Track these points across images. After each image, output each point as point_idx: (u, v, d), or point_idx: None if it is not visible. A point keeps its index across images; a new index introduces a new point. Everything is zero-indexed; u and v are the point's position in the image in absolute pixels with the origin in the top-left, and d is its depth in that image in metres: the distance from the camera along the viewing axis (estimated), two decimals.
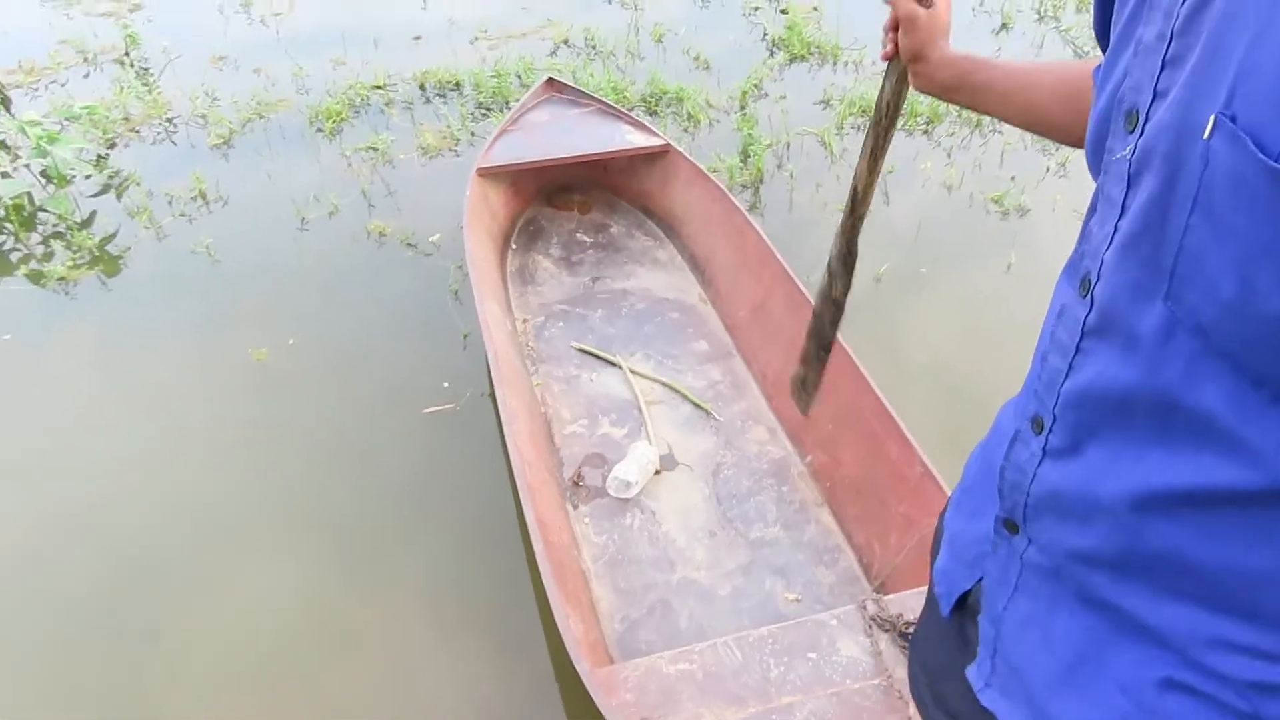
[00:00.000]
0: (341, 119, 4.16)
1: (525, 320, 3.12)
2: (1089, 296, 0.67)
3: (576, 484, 2.58)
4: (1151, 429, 0.62)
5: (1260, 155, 0.50)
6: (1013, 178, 3.79)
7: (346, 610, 2.29)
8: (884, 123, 1.29)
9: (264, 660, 2.17)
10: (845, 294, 1.53)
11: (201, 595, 2.30)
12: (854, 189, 1.38)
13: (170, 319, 3.08)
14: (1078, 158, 3.91)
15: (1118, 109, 0.64)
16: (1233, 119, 0.51)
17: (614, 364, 2.95)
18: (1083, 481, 0.68)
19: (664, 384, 2.89)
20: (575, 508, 2.52)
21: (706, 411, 2.81)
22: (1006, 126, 4.11)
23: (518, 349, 2.93)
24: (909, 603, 1.98)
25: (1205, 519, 0.60)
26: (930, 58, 1.14)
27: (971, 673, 0.83)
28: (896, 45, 1.19)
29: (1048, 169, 3.85)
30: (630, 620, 2.24)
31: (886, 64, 1.25)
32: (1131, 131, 0.62)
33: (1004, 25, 4.91)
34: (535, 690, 2.16)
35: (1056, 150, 3.95)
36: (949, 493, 2.14)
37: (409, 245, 3.42)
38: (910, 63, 1.17)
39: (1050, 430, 0.71)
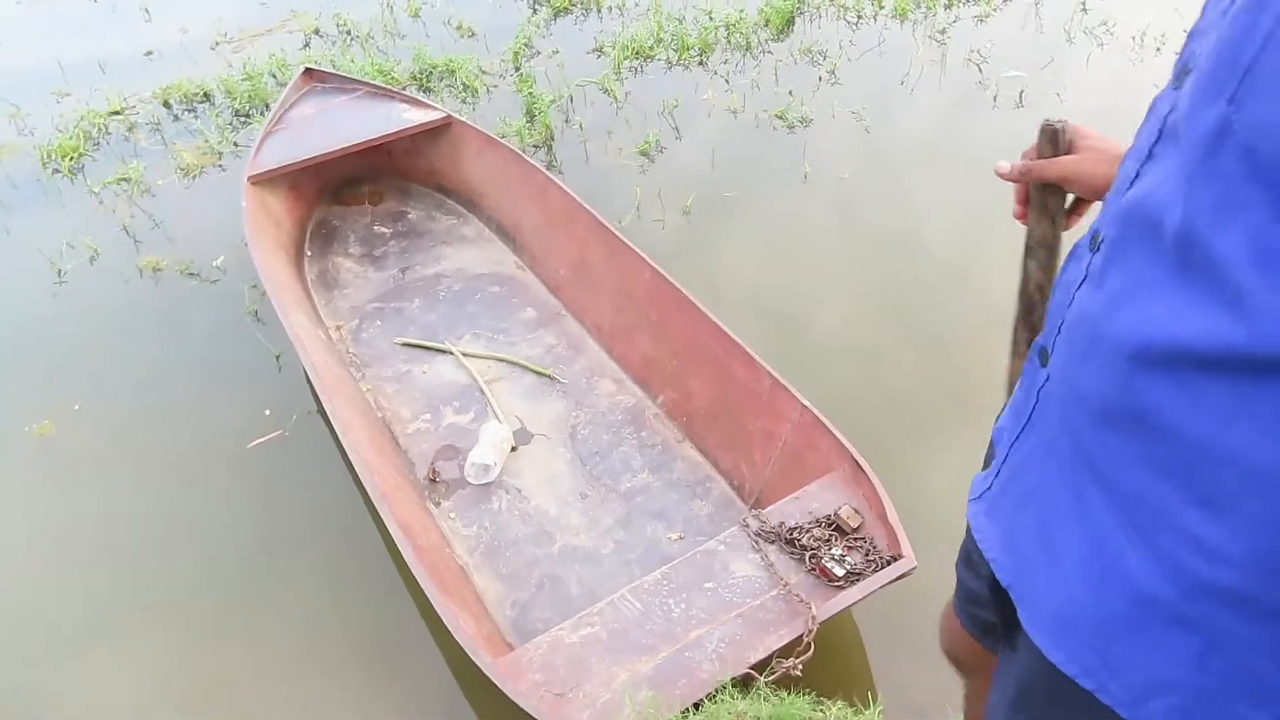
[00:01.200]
0: (80, 155, 3.72)
1: (339, 326, 2.91)
2: (1181, 89, 0.60)
3: (433, 481, 2.45)
4: (1169, 266, 0.57)
5: None
6: (790, 92, 3.89)
7: (224, 668, 2.08)
8: (1039, 308, 1.00)
9: None
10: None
11: (65, 702, 2.02)
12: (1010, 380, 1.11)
13: None
14: (844, 65, 4.07)
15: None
16: None
17: (443, 350, 2.82)
18: (1098, 312, 0.63)
19: (499, 359, 2.79)
20: (438, 505, 2.39)
21: (549, 377, 2.73)
22: (775, 45, 4.22)
23: (338, 357, 2.73)
24: (786, 509, 2.01)
25: (1194, 382, 0.56)
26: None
27: (977, 478, 0.80)
28: (1026, 214, 0.99)
29: (820, 79, 3.99)
30: (520, 603, 2.16)
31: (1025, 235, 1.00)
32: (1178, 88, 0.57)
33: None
34: (441, 700, 2.04)
35: (824, 59, 4.09)
36: (800, 399, 2.18)
37: (190, 275, 3.11)
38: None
39: (1100, 247, 0.65)
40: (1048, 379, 0.70)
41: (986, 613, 0.88)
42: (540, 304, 2.96)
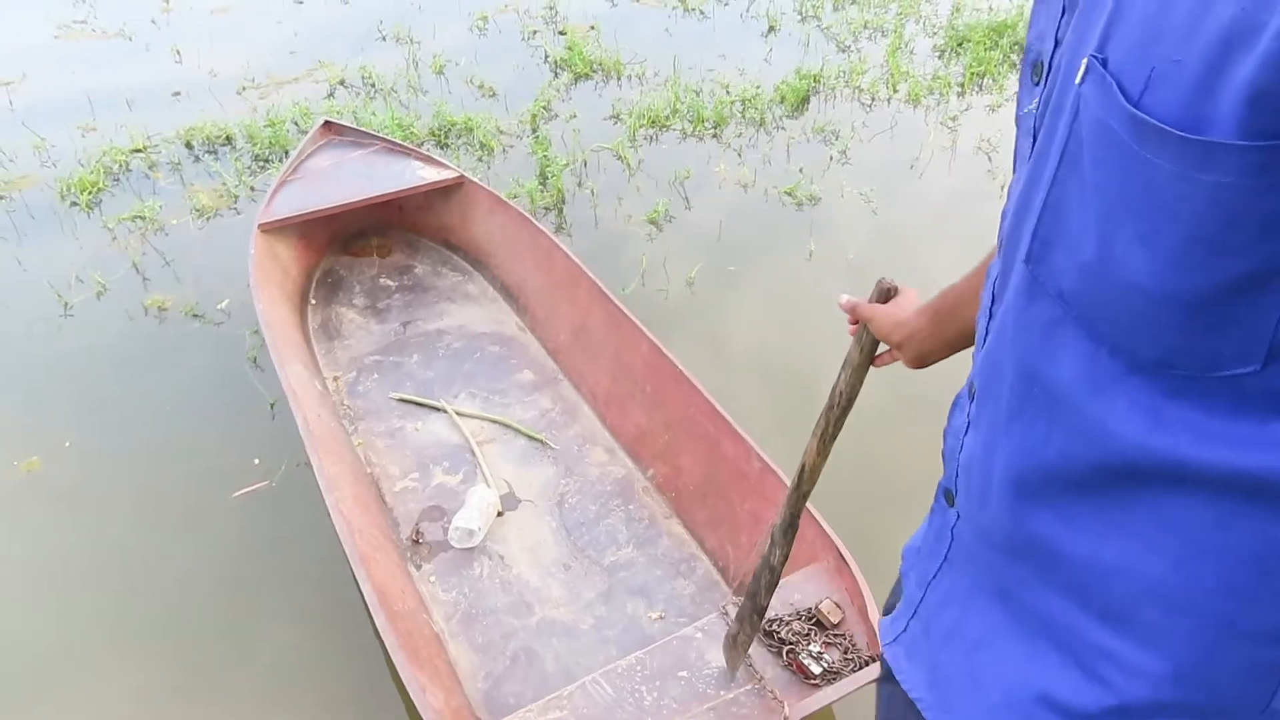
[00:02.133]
0: (99, 189, 3.78)
1: (336, 377, 2.92)
2: (1000, 257, 0.65)
3: (416, 542, 2.43)
4: (1019, 401, 0.61)
5: (1123, 100, 0.47)
6: (800, 169, 3.94)
7: (195, 713, 2.04)
8: (836, 410, 1.28)
9: None
10: (783, 563, 1.54)
11: None
12: (801, 467, 1.38)
13: None
14: (855, 145, 4.13)
15: (1026, 61, 0.61)
16: (1104, 62, 0.49)
17: (438, 409, 2.82)
18: (981, 455, 0.66)
19: (493, 420, 2.79)
20: (418, 568, 2.37)
21: (541, 442, 2.73)
22: (789, 121, 4.29)
23: (331, 409, 2.74)
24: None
25: (1065, 504, 0.58)
26: (914, 343, 1.10)
27: (884, 623, 0.82)
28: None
29: (831, 158, 4.04)
30: (494, 676, 2.12)
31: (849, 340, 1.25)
32: (1038, 83, 0.59)
33: (771, 28, 5.14)
34: None
35: (836, 139, 4.15)
36: (787, 483, 2.17)
37: (195, 316, 3.14)
38: (908, 359, 1.14)
39: (974, 396, 0.69)
40: (958, 518, 0.72)
41: None
42: (539, 366, 2.97)
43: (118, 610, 2.26)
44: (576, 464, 2.66)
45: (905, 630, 0.77)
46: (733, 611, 1.93)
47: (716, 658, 1.86)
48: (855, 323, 1.21)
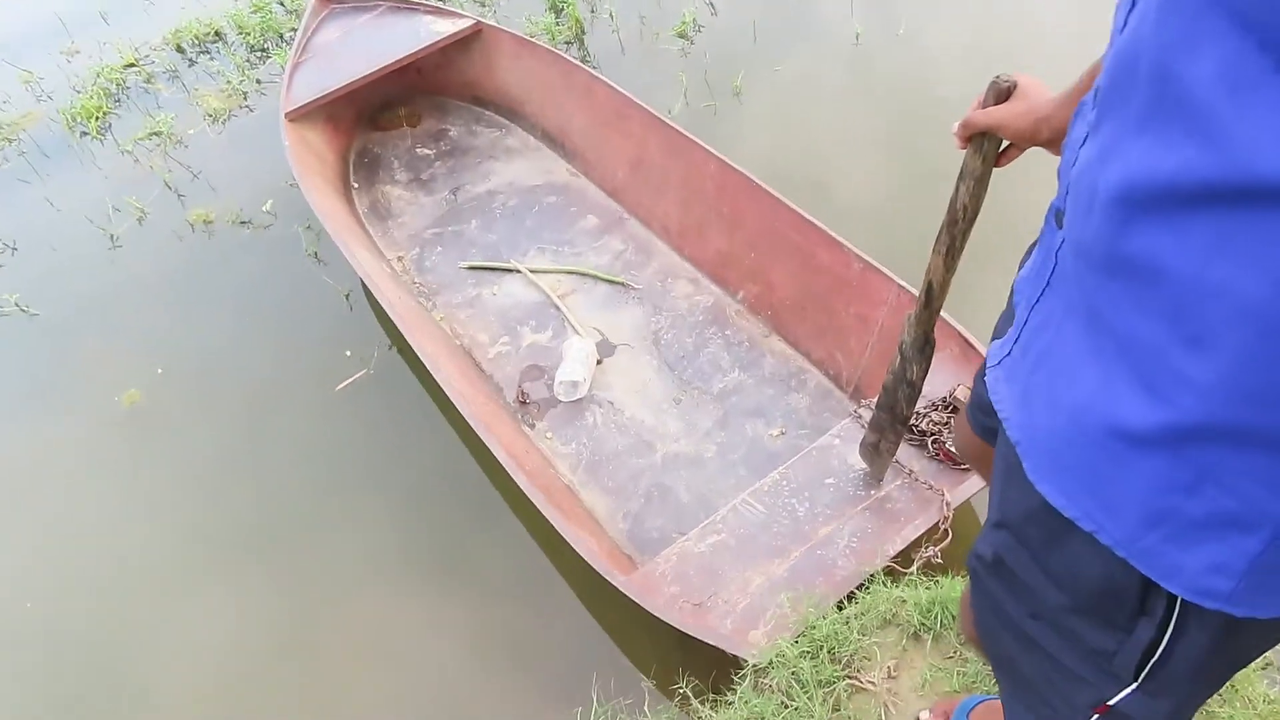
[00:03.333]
0: (104, 113, 3.63)
1: (400, 258, 2.86)
2: None
3: (523, 403, 2.43)
4: (1147, 107, 0.57)
5: None
6: None
7: (334, 616, 2.13)
8: (961, 224, 1.23)
9: (247, 687, 2.01)
10: (922, 378, 1.53)
11: (163, 654, 2.09)
12: (928, 284, 1.36)
13: (4, 396, 2.69)
14: None
15: None
16: None
17: (510, 270, 2.76)
18: (1094, 164, 0.63)
19: (568, 272, 2.72)
20: (532, 427, 2.38)
21: (622, 284, 2.66)
22: None
23: (407, 290, 2.69)
24: None
25: (1177, 220, 0.56)
26: (1051, 132, 1.01)
27: (993, 348, 0.81)
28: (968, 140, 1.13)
29: None
30: (632, 515, 2.16)
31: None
32: None
33: None
34: (568, 626, 2.05)
35: None
36: (895, 280, 2.10)
37: (242, 224, 3.06)
38: (1042, 145, 1.04)
39: (1097, 99, 0.65)
40: (1063, 241, 0.70)
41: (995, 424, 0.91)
42: (601, 210, 2.87)
43: (248, 519, 2.32)
44: (662, 300, 2.61)
45: (1009, 355, 0.77)
46: (867, 415, 1.91)
47: (860, 461, 1.86)
48: (968, 139, 1.12)
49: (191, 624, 2.15)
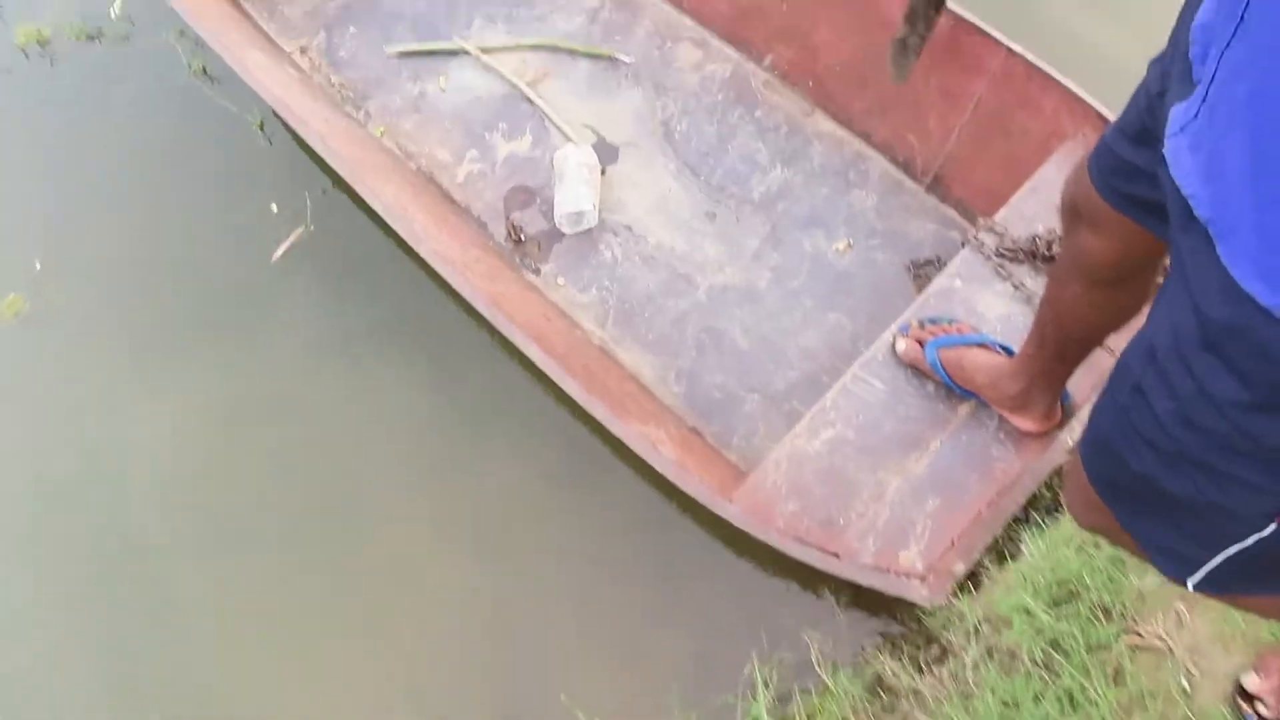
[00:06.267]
0: None
1: (302, 49, 2.15)
2: None
3: (518, 241, 1.94)
4: None
5: None
6: None
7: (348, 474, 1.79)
8: None
9: None
10: None
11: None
12: None
13: None
14: None
15: None
16: None
17: (456, 51, 2.11)
18: None
19: (534, 47, 2.09)
20: (537, 273, 1.91)
21: (608, 58, 2.06)
22: None
23: (325, 98, 2.04)
24: (1022, 209, 1.55)
25: None
26: None
27: (1178, 110, 0.68)
28: None
29: None
30: (685, 374, 1.80)
31: None
32: None
33: None
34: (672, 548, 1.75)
35: None
36: (1003, 41, 1.61)
37: (90, 39, 2.20)
38: None
39: None
40: None
41: (1145, 192, 0.84)
42: None
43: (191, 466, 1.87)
44: (665, 75, 2.04)
45: (1196, 117, 0.65)
46: (990, 242, 1.52)
47: (992, 305, 1.49)
48: None
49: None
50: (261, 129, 2.06)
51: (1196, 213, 0.63)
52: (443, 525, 1.75)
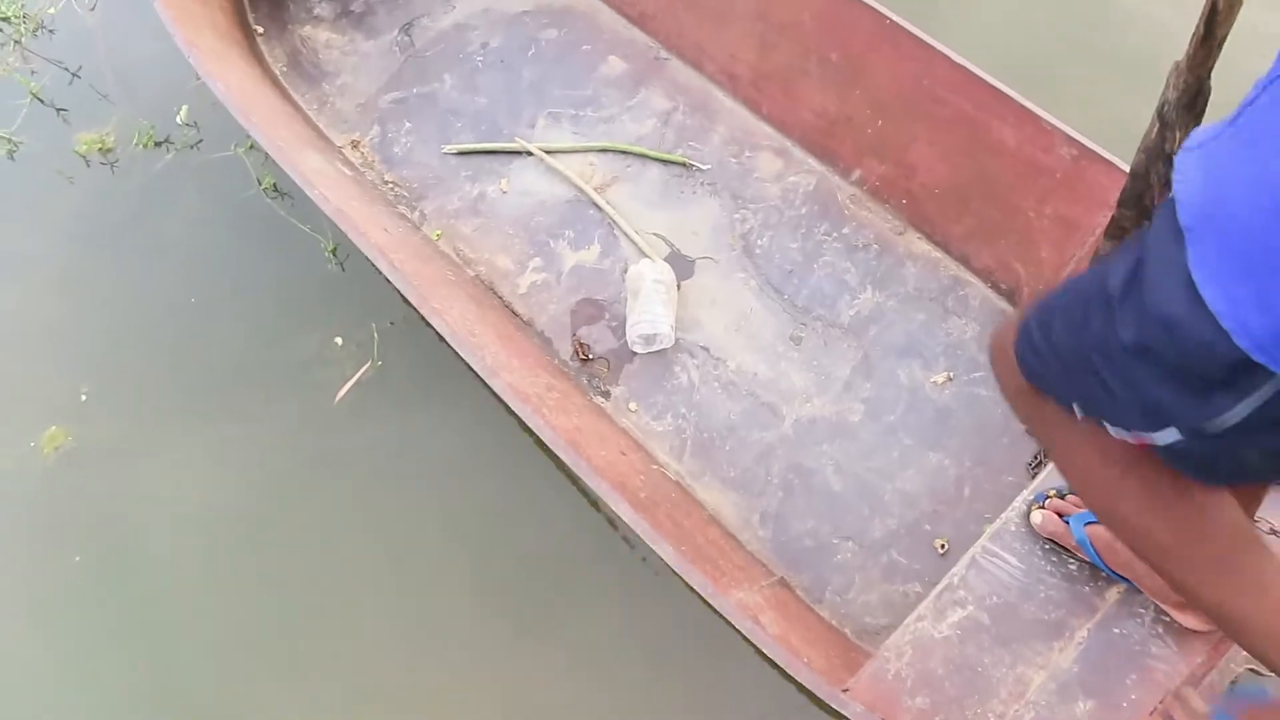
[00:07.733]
0: None
1: (355, 143, 2.03)
2: None
3: (584, 360, 1.79)
4: None
5: None
6: None
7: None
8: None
9: None
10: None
11: None
12: (1212, 4, 0.96)
13: None
14: None
15: None
16: None
17: (517, 152, 1.98)
18: None
19: (600, 150, 1.97)
20: (606, 396, 1.76)
21: (682, 164, 1.94)
22: None
23: (382, 200, 1.91)
24: None
25: None
26: None
27: (1198, 131, 0.64)
28: None
29: None
30: (771, 516, 1.63)
31: None
32: None
33: None
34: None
35: None
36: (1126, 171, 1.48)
37: (156, 146, 2.07)
38: None
39: None
40: None
41: None
42: (626, 48, 2.05)
43: (251, 635, 1.70)
44: (744, 185, 1.91)
45: (1216, 137, 0.62)
46: None
47: None
48: None
49: None
50: (334, 254, 1.90)
51: (1180, 218, 0.62)
52: None
